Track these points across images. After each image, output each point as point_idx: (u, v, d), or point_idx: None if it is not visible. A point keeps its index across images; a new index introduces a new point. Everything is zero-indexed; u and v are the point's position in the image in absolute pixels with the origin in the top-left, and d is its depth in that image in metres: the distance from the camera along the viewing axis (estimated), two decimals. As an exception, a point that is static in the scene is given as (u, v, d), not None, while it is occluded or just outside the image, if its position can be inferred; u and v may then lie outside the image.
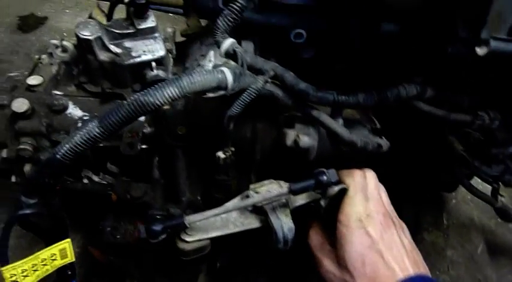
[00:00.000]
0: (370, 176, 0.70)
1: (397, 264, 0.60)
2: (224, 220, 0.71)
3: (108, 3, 1.04)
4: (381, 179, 0.73)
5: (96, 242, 1.21)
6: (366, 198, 0.67)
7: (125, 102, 0.65)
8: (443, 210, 1.46)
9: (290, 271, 0.98)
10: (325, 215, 0.72)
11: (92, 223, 1.04)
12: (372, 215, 0.64)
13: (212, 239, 0.71)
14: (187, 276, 0.81)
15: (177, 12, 1.13)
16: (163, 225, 0.63)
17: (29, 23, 1.99)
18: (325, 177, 0.63)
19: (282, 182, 0.73)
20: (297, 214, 0.72)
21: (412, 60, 0.79)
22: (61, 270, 0.94)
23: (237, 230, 0.71)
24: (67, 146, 0.66)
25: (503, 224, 1.45)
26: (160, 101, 0.65)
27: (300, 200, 0.74)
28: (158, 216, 0.74)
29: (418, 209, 1.42)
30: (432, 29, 0.73)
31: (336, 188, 0.67)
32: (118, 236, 0.87)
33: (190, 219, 0.64)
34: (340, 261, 0.63)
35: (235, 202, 0.68)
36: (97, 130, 0.66)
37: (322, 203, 0.69)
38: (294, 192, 0.64)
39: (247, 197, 0.71)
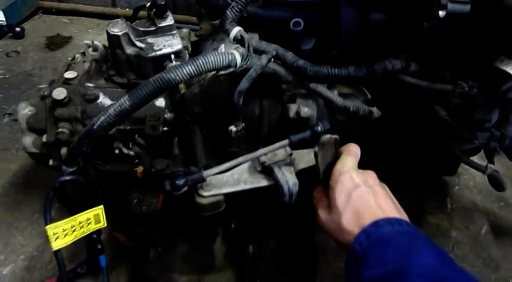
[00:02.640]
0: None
1: (378, 206, 0.67)
2: (236, 179, 0.81)
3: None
4: (383, 165, 0.82)
5: (121, 227, 1.32)
6: (357, 161, 0.76)
7: (150, 79, 0.78)
8: (447, 196, 1.52)
9: (298, 234, 1.07)
10: (323, 174, 0.81)
11: (117, 210, 1.15)
12: (361, 171, 0.73)
13: (226, 197, 0.81)
14: (205, 238, 0.91)
15: (194, 29, 1.31)
16: (185, 179, 0.73)
17: (56, 42, 2.18)
18: (319, 127, 0.73)
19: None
20: (300, 177, 0.82)
21: (396, 40, 0.90)
22: (91, 244, 1.06)
23: (247, 187, 0.81)
24: (102, 118, 0.78)
25: (506, 208, 1.50)
26: (180, 77, 0.77)
27: (303, 164, 0.85)
28: (180, 173, 0.84)
29: (422, 194, 1.49)
30: (411, 10, 0.84)
31: (329, 136, 0.76)
32: (144, 207, 0.97)
33: (207, 172, 0.74)
34: (331, 203, 0.71)
35: (245, 156, 0.78)
36: (127, 103, 0.78)
37: (316, 149, 0.76)
38: (293, 143, 0.74)
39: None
